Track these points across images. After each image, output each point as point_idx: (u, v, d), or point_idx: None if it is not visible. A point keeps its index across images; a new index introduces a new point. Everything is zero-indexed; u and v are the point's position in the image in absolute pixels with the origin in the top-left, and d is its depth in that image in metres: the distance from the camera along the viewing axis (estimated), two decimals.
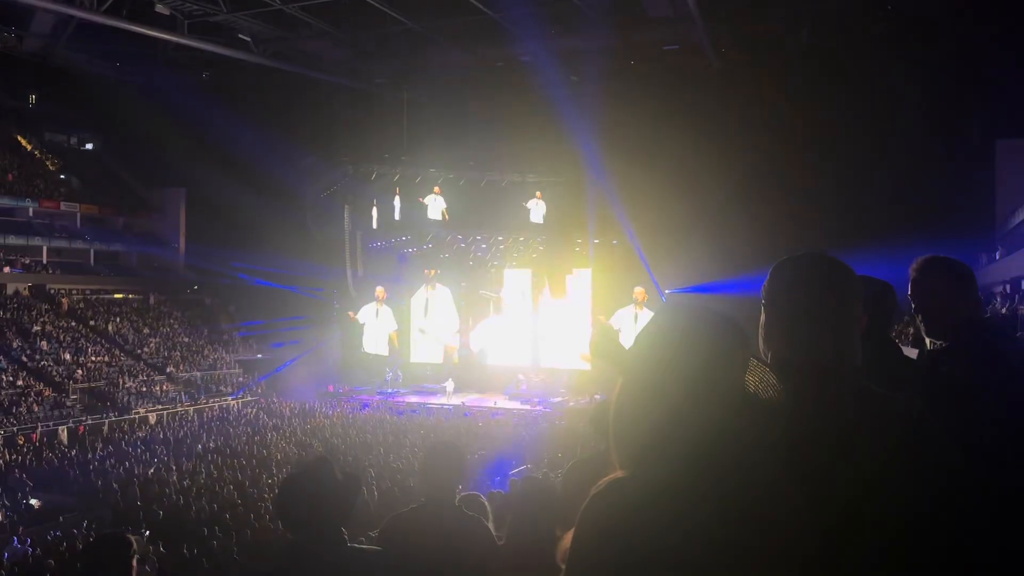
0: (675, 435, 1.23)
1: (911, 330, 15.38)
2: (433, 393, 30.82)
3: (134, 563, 2.59)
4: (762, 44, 27.44)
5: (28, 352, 29.11)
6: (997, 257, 22.15)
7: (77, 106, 39.30)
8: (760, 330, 1.52)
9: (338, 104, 35.08)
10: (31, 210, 36.21)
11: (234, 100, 32.87)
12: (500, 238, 31.75)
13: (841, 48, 25.97)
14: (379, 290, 33.00)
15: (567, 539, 1.30)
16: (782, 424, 1.28)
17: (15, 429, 23.87)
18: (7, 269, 33.47)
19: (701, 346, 1.27)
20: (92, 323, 33.31)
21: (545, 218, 29.82)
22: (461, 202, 30.49)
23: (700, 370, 1.25)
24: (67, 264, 36.75)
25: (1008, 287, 20.06)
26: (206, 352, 34.46)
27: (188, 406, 29.07)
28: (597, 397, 25.17)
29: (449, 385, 30.32)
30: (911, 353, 2.64)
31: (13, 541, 12.93)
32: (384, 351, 33.16)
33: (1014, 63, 22.12)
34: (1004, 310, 17.59)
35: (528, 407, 27.48)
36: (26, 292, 33.51)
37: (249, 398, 30.99)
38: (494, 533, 3.13)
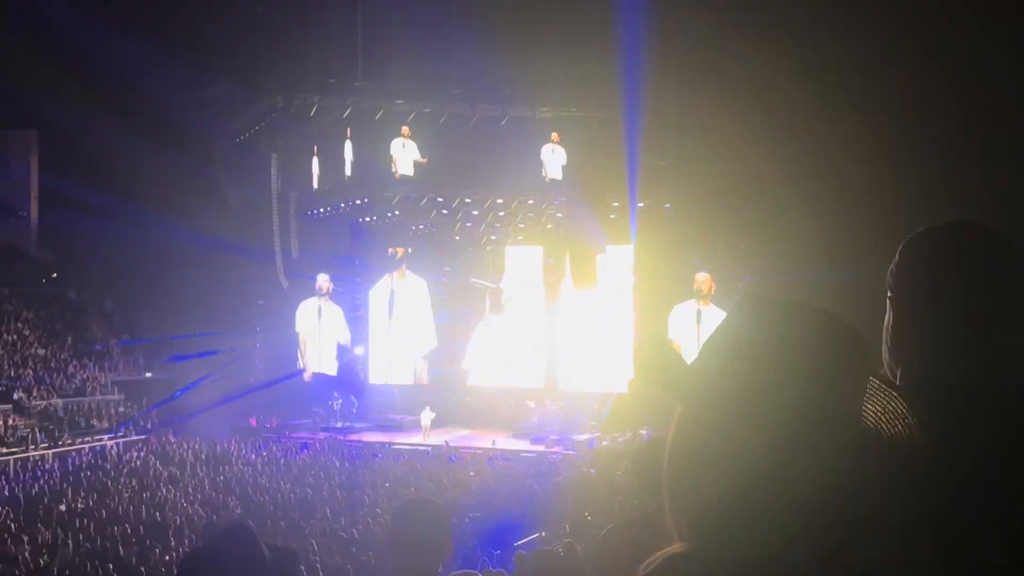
0: (762, 492, 1.21)
1: None
2: (402, 428, 30.96)
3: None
4: None
5: None
6: None
7: None
8: (884, 335, 1.52)
9: (262, 9, 35.04)
10: None
11: (110, 7, 32.85)
12: (499, 201, 31.76)
13: None
14: (322, 278, 33.03)
15: None
16: (920, 475, 1.26)
17: None
18: None
19: (803, 361, 1.24)
20: None
21: (565, 171, 29.77)
22: (442, 149, 30.43)
23: (801, 397, 1.22)
24: None
25: None
26: (71, 370, 34.55)
27: (45, 449, 29.13)
28: (643, 434, 25.24)
29: (425, 417, 30.37)
30: None
31: None
32: (331, 368, 33.23)
33: None
34: None
35: (542, 448, 27.58)
36: None
37: (134, 437, 31.08)
38: None
